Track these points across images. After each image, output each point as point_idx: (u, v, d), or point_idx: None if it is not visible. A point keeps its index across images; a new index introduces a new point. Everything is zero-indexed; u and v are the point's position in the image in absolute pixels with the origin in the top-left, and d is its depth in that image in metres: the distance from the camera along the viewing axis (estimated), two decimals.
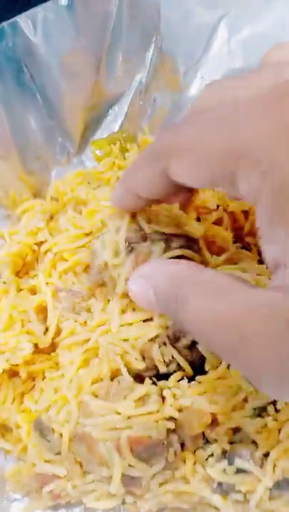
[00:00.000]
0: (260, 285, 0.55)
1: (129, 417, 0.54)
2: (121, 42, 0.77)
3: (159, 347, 0.58)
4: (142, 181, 0.47)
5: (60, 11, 0.70)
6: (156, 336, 0.57)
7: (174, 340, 0.58)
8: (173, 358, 0.58)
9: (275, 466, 0.54)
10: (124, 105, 0.81)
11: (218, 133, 0.39)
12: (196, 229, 0.58)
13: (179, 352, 0.58)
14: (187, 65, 0.80)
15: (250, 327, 0.35)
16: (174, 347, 0.58)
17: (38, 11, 0.71)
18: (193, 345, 0.59)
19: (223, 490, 0.56)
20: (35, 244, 0.70)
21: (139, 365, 0.57)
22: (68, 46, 0.73)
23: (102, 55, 0.75)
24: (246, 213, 0.72)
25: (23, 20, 0.72)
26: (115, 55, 0.76)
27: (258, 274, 0.60)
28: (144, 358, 0.58)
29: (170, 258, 0.54)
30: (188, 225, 0.59)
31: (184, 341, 0.58)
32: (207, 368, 0.58)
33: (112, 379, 0.59)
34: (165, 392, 0.57)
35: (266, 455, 0.55)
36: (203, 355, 0.59)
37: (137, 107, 0.81)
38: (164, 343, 0.58)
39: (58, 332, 0.65)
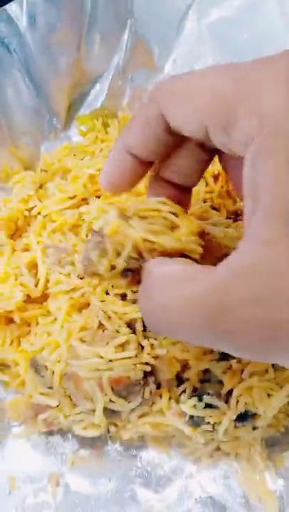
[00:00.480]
0: (228, 237, 0.58)
1: (110, 361, 0.58)
2: (98, 25, 0.77)
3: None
4: (136, 133, 0.43)
5: None
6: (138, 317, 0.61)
7: None
8: None
9: (237, 401, 0.57)
10: (104, 84, 0.82)
11: (220, 77, 0.37)
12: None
13: None
14: (160, 47, 0.81)
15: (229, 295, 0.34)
16: None
17: None
18: None
19: (195, 422, 0.59)
20: (26, 210, 0.73)
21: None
22: (51, 28, 0.74)
23: (82, 36, 0.76)
24: (216, 178, 0.75)
25: (9, 5, 0.72)
26: (93, 37, 0.77)
27: (226, 227, 0.61)
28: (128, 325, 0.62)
29: None
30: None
31: None
32: None
33: (99, 327, 0.63)
34: (144, 342, 0.60)
35: (230, 392, 0.58)
36: None
37: (117, 86, 0.82)
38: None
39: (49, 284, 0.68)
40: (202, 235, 0.54)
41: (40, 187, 0.77)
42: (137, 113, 0.44)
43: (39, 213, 0.72)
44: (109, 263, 0.48)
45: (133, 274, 0.49)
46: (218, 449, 0.65)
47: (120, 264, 0.47)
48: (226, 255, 0.37)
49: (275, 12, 0.81)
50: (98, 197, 0.74)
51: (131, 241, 0.46)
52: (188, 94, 0.39)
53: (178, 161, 0.47)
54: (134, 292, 0.61)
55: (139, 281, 0.47)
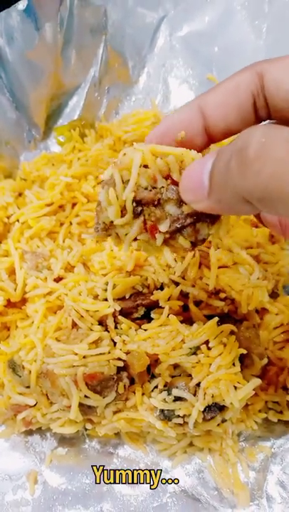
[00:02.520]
0: None
1: (84, 357, 0.61)
2: (73, 40, 0.81)
3: (114, 318, 0.65)
4: (220, 93, 0.44)
5: (19, 14, 0.75)
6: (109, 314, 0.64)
7: (126, 314, 0.66)
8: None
9: (205, 393, 0.59)
10: (81, 96, 0.86)
11: None
12: None
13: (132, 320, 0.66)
14: (134, 60, 0.86)
15: None
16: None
17: (2, 15, 0.76)
18: (145, 315, 0.66)
19: (165, 416, 0.62)
20: (6, 217, 0.76)
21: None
22: (29, 44, 0.78)
23: (59, 51, 0.80)
24: None
25: None
26: (70, 51, 0.81)
27: None
28: (100, 323, 0.65)
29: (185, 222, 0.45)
30: None
31: (136, 315, 0.66)
32: (153, 315, 0.65)
33: (73, 327, 0.65)
34: (116, 338, 0.64)
35: (199, 385, 0.60)
36: (152, 305, 0.66)
37: (93, 97, 0.86)
38: (115, 316, 0.65)
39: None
40: None
41: (20, 195, 0.80)
42: (227, 78, 0.44)
43: (17, 220, 0.75)
44: (118, 204, 0.44)
45: (145, 220, 0.45)
46: (191, 444, 0.67)
47: (129, 196, 0.44)
48: None
49: (244, 25, 0.86)
50: (75, 204, 0.77)
51: (139, 159, 0.43)
52: None
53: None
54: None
55: (153, 229, 0.45)
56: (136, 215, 0.45)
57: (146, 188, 0.44)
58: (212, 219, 0.45)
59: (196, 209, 0.43)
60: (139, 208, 0.45)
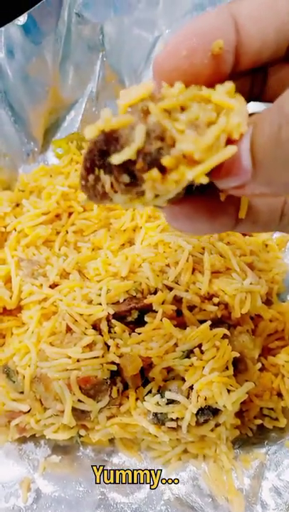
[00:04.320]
0: None
1: (78, 361, 0.61)
2: (71, 56, 0.84)
3: (108, 322, 0.65)
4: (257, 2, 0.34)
5: (18, 29, 0.78)
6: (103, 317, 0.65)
7: (119, 318, 0.66)
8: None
9: (198, 396, 0.60)
10: (79, 111, 0.89)
11: None
12: None
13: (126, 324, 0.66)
14: (130, 77, 0.88)
15: None
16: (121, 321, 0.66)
17: (1, 30, 0.78)
18: (139, 319, 0.67)
19: (159, 419, 0.62)
20: (3, 227, 0.78)
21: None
22: (28, 59, 0.80)
23: (57, 67, 0.83)
24: None
25: None
26: (68, 67, 0.84)
27: None
28: (94, 327, 0.66)
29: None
30: None
31: (129, 318, 0.67)
32: (146, 318, 0.66)
33: (67, 332, 0.66)
34: (109, 342, 0.64)
35: (192, 388, 0.61)
36: (146, 309, 0.66)
37: (91, 112, 0.89)
38: (109, 320, 0.66)
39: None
40: None
41: (17, 205, 0.82)
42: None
43: (14, 229, 0.76)
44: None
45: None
46: (185, 451, 0.67)
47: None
48: None
49: None
50: (71, 213, 0.78)
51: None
52: None
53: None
54: None
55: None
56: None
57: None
58: None
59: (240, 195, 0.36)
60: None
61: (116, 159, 0.31)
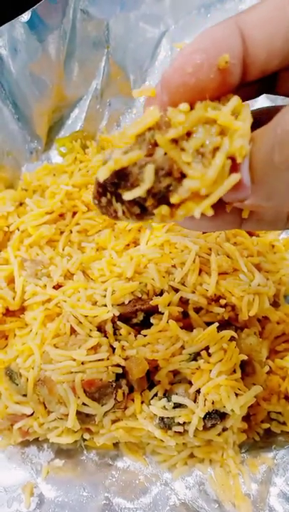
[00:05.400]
0: None
1: (83, 363, 0.60)
2: (76, 53, 0.82)
3: (113, 324, 0.65)
4: (264, 10, 0.35)
5: (22, 26, 0.77)
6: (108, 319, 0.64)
7: (125, 320, 0.66)
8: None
9: (205, 400, 0.59)
10: (83, 108, 0.87)
11: None
12: None
13: (131, 326, 0.66)
14: (135, 74, 0.87)
15: None
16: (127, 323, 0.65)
17: (6, 27, 0.77)
18: (145, 321, 0.66)
19: (165, 424, 0.61)
20: (6, 226, 0.77)
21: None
22: (32, 56, 0.79)
23: (61, 64, 0.82)
24: None
25: None
26: (72, 64, 0.82)
27: None
28: (99, 329, 0.65)
29: None
30: None
31: (135, 320, 0.66)
32: (152, 320, 0.65)
33: (71, 333, 0.65)
34: (115, 344, 0.63)
35: (198, 391, 0.60)
36: (152, 310, 0.65)
37: (95, 110, 0.88)
38: (114, 322, 0.65)
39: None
40: None
41: (21, 204, 0.81)
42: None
43: (17, 229, 0.75)
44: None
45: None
46: (192, 455, 0.66)
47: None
48: None
49: None
50: (75, 212, 0.77)
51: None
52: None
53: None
54: None
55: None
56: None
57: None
58: None
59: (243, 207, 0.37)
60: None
61: (127, 196, 0.33)
